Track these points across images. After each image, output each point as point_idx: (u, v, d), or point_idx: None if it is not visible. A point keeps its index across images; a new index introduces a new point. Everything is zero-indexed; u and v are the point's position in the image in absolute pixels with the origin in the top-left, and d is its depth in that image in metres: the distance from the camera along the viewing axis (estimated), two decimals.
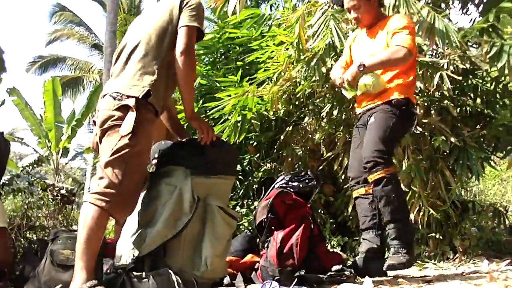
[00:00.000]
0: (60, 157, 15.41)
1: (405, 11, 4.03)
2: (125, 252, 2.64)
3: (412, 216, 4.88)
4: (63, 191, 6.37)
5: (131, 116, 2.44)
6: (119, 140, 2.45)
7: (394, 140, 3.39)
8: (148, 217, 2.63)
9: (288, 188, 3.49)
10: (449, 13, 5.19)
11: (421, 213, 4.83)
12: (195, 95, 4.68)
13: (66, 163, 20.13)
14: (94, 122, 2.71)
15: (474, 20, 5.38)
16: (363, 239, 3.45)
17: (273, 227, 3.35)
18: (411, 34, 3.28)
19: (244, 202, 6.02)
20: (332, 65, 4.84)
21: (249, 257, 3.77)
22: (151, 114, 2.59)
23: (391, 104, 3.30)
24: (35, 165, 11.42)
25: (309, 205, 3.48)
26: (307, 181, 3.50)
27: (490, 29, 4.57)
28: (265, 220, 3.33)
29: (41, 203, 6.18)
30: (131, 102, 2.47)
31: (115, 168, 2.43)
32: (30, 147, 16.40)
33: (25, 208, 5.94)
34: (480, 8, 5.30)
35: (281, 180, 3.62)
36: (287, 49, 5.09)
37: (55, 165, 15.17)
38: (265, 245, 3.37)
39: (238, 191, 6.03)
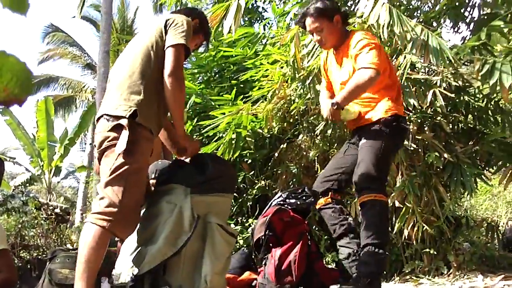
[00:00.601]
0: (52, 176, 15.34)
1: (399, 29, 4.09)
2: (125, 270, 2.64)
3: (406, 232, 4.91)
4: (57, 210, 6.36)
5: (124, 134, 2.45)
6: (116, 159, 2.46)
7: (386, 162, 3.34)
8: (148, 235, 2.63)
9: (286, 206, 3.48)
10: (440, 31, 5.26)
11: (415, 229, 4.85)
12: (185, 115, 4.71)
13: (58, 182, 20.04)
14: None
15: (465, 38, 5.46)
16: (339, 246, 3.42)
17: (270, 244, 3.35)
18: (372, 50, 3.18)
19: (239, 220, 6.03)
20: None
21: (246, 275, 3.78)
22: (146, 132, 2.59)
23: (381, 123, 3.26)
24: (27, 184, 11.39)
25: (306, 222, 3.50)
26: (304, 198, 3.50)
27: (482, 47, 4.63)
28: (263, 237, 3.34)
29: (35, 222, 6.16)
30: (124, 121, 2.48)
31: (115, 187, 2.44)
32: (23, 166, 16.33)
33: (19, 227, 5.92)
34: (471, 27, 5.39)
35: (278, 197, 3.61)
36: (282, 67, 5.13)
37: (48, 184, 15.09)
38: (263, 263, 3.37)
39: (232, 208, 6.03)
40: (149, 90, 2.64)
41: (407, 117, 4.90)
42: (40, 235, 6.30)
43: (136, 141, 2.49)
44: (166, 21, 2.76)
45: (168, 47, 2.68)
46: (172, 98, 2.62)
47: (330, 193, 3.44)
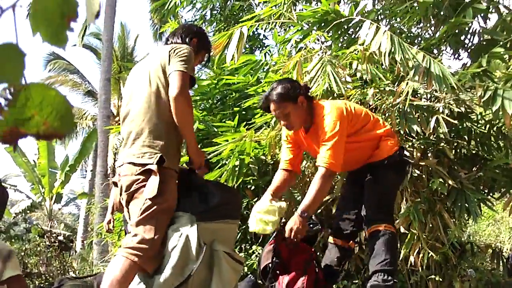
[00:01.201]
0: (53, 203, 15.31)
1: (400, 57, 4.13)
2: None
3: (412, 258, 4.89)
4: (60, 238, 6.35)
5: (155, 180, 2.53)
6: (145, 200, 2.55)
7: (393, 195, 3.40)
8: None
9: None
10: (441, 58, 5.32)
11: (421, 255, 4.83)
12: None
13: (59, 209, 19.99)
14: (114, 183, 2.80)
15: (465, 65, 5.51)
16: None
17: (277, 272, 3.34)
18: (332, 144, 3.15)
19: (242, 247, 5.99)
20: None
21: None
22: (172, 171, 2.65)
23: (387, 160, 3.33)
24: (28, 211, 11.36)
25: (313, 249, 3.49)
26: (311, 225, 3.50)
27: (482, 74, 4.67)
28: (270, 264, 3.33)
29: (37, 249, 6.13)
30: (154, 167, 2.54)
31: (147, 225, 2.54)
32: (23, 193, 16.31)
33: (21, 255, 5.89)
34: (471, 53, 5.44)
35: (284, 225, 3.61)
36: None
37: (48, 211, 15.05)
38: None
39: (236, 235, 6.00)
40: (169, 131, 2.68)
41: (410, 143, 4.94)
42: (42, 262, 6.27)
43: (164, 182, 2.56)
44: (169, 52, 2.79)
45: (172, 72, 2.70)
46: (182, 117, 2.65)
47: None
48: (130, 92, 2.89)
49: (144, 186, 2.58)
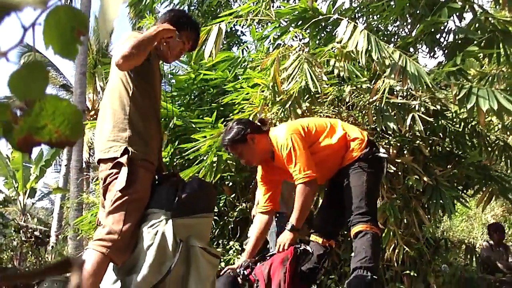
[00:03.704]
0: (27, 198, 15.12)
1: (377, 55, 4.17)
2: None
3: (387, 254, 4.95)
4: (36, 233, 6.27)
5: (123, 171, 2.52)
6: (116, 192, 2.53)
7: (372, 193, 3.43)
8: (130, 263, 2.60)
9: None
10: (417, 57, 5.38)
11: (396, 251, 4.90)
12: (165, 137, 4.77)
13: (32, 204, 19.76)
14: None
15: (441, 63, 5.59)
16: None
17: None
18: (295, 159, 3.24)
19: (220, 242, 6.00)
20: (306, 106, 4.96)
21: None
22: (145, 162, 2.64)
23: (359, 160, 3.36)
24: (0, 206, 11.19)
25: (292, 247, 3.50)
26: (304, 255, 3.51)
27: (457, 72, 4.74)
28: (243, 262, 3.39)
29: (13, 244, 6.05)
30: (122, 159, 2.54)
31: (115, 217, 2.51)
32: None
33: None
34: (446, 52, 5.52)
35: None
36: (263, 91, 5.17)
37: (22, 206, 14.86)
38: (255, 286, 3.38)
39: (214, 231, 6.02)
40: (133, 123, 2.67)
41: (387, 141, 5.00)
42: (16, 257, 6.19)
43: (134, 172, 2.55)
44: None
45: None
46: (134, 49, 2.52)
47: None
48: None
49: (116, 178, 2.57)
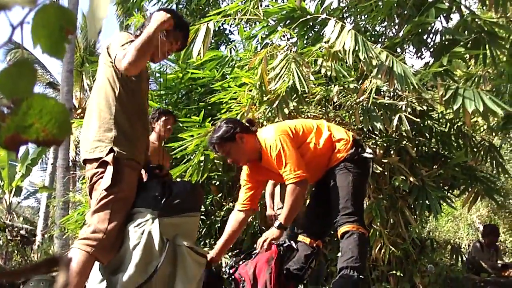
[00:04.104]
0: (13, 196, 14.99)
1: (364, 55, 4.19)
2: None
3: (373, 254, 4.97)
4: (22, 232, 6.22)
5: (109, 170, 2.51)
6: (101, 191, 2.52)
7: (359, 194, 3.44)
8: (116, 263, 2.59)
9: None
10: (404, 57, 5.40)
11: (382, 251, 4.92)
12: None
13: (18, 202, 19.62)
14: None
15: (428, 64, 5.61)
16: None
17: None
18: (285, 159, 3.25)
19: (207, 242, 6.00)
20: (294, 106, 4.96)
21: None
22: (130, 162, 2.63)
23: (345, 161, 3.38)
24: None
25: (276, 245, 3.50)
26: (287, 252, 3.52)
27: (444, 73, 4.76)
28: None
29: None
30: (109, 158, 2.54)
31: (101, 215, 2.50)
32: None
33: None
34: (433, 52, 5.54)
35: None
36: (251, 90, 5.17)
37: (8, 205, 14.73)
38: (241, 285, 3.38)
39: (200, 230, 6.01)
40: (119, 123, 2.65)
41: (374, 141, 5.01)
42: (1, 257, 6.14)
43: (120, 171, 2.54)
44: (107, 48, 2.75)
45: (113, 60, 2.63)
46: (136, 54, 2.51)
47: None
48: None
49: (102, 178, 2.56)
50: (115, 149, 2.57)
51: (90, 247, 2.43)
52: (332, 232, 4.68)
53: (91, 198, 2.68)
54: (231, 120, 3.62)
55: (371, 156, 3.64)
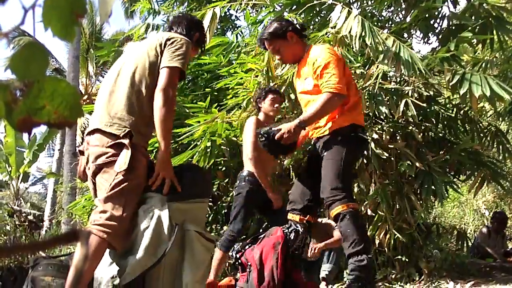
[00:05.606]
0: (20, 182, 15.05)
1: (370, 41, 4.17)
2: (104, 281, 2.62)
3: (378, 240, 4.99)
4: (30, 217, 6.28)
5: (126, 154, 2.51)
6: (116, 175, 2.52)
7: (348, 172, 3.43)
8: (126, 246, 2.63)
9: None
10: (411, 42, 5.38)
11: (388, 236, 4.93)
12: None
13: (26, 188, 19.74)
14: (81, 152, 2.78)
15: (435, 49, 5.59)
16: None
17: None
18: (334, 70, 3.26)
19: (213, 227, 6.03)
20: None
21: (226, 280, 3.80)
22: (143, 149, 2.65)
23: (338, 134, 3.36)
24: None
25: (282, 230, 3.52)
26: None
27: (451, 58, 4.75)
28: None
29: (7, 229, 6.06)
30: (125, 141, 2.53)
31: (116, 202, 2.51)
32: None
33: None
34: (440, 37, 5.52)
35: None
36: (257, 76, 5.17)
37: (15, 190, 14.80)
38: (247, 270, 3.40)
39: (208, 216, 6.04)
40: (143, 111, 2.67)
41: (380, 126, 5.01)
42: (10, 242, 6.19)
43: (135, 158, 2.54)
44: (167, 40, 2.76)
45: (163, 67, 2.68)
46: (160, 116, 2.61)
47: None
48: (121, 64, 2.85)
49: (114, 161, 2.55)
50: (133, 133, 2.59)
51: (105, 233, 2.45)
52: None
53: (94, 176, 2.66)
54: (284, 19, 3.69)
55: (367, 138, 3.68)
